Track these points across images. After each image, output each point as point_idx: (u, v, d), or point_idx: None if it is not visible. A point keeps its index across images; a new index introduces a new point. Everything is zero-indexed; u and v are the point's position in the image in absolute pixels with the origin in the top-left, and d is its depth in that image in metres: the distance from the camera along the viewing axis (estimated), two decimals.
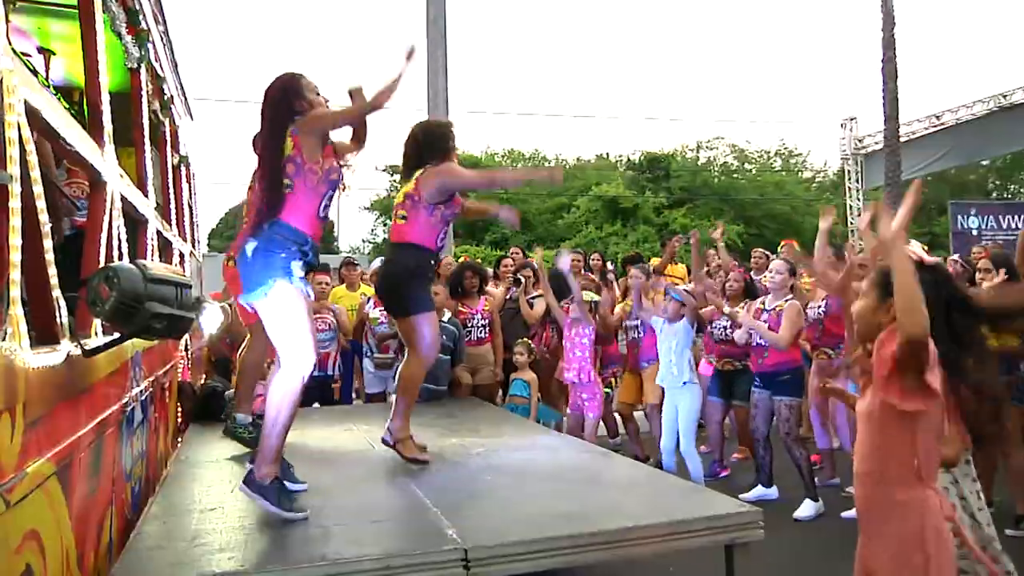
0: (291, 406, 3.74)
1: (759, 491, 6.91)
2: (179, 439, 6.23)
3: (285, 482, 3.90)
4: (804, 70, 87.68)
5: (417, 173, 4.98)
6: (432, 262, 5.12)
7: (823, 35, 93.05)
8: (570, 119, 55.85)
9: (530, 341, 8.15)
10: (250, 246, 3.79)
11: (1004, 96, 22.62)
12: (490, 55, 79.30)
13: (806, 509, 6.53)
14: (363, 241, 45.50)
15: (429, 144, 5.09)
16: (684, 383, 6.95)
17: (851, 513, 5.85)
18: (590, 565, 3.73)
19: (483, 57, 76.47)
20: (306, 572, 3.11)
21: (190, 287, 3.27)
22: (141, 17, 5.04)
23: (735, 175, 37.05)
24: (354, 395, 9.49)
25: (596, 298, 8.05)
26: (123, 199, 4.21)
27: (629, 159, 38.29)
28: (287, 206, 3.83)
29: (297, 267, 3.79)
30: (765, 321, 6.77)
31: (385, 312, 6.99)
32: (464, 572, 3.20)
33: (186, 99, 8.46)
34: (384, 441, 4.96)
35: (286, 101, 3.99)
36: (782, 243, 12.10)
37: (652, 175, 35.31)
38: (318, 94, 4.11)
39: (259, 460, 3.72)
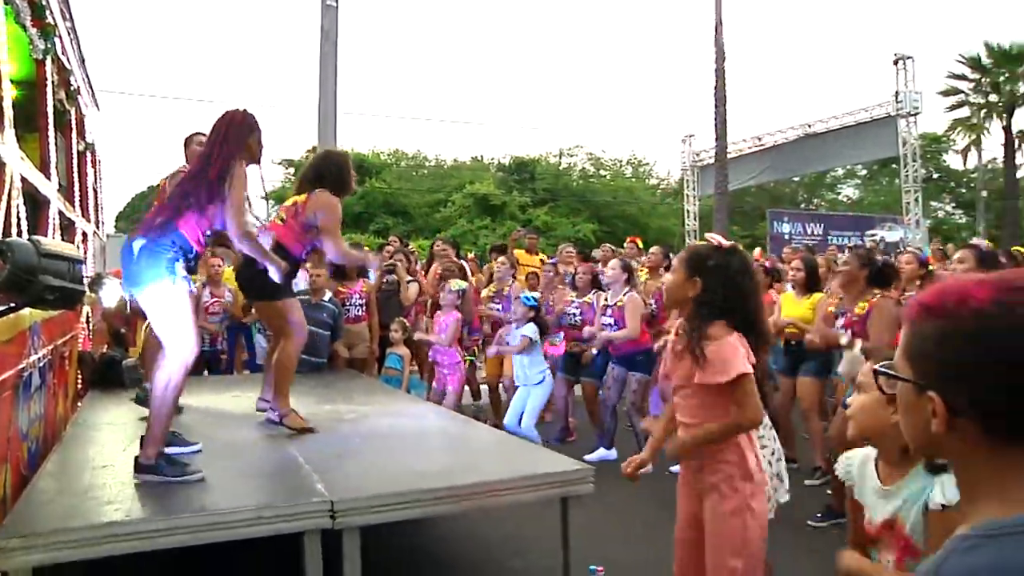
0: (175, 390, 3.65)
1: (601, 453, 7.06)
2: (78, 404, 6.02)
3: (176, 447, 3.84)
4: (654, 91, 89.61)
5: (312, 192, 4.92)
6: (296, 265, 5.06)
7: (671, 61, 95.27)
8: (450, 123, 56.25)
9: (405, 320, 8.18)
10: (138, 243, 3.66)
11: (809, 126, 23.95)
12: (379, 61, 78.49)
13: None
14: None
15: (335, 175, 5.05)
16: (537, 383, 7.02)
17: (677, 468, 6.15)
18: (446, 515, 3.82)
19: (373, 62, 75.62)
20: (186, 521, 3.08)
21: (82, 262, 3.19)
22: (47, 12, 4.84)
23: (591, 179, 37.50)
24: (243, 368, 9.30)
25: (463, 285, 8.10)
26: (23, 180, 4.05)
27: (500, 162, 38.43)
28: (188, 220, 3.75)
29: (179, 267, 3.70)
30: (611, 316, 6.94)
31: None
32: (330, 521, 3.21)
33: (92, 90, 8.15)
34: (270, 420, 4.87)
35: (243, 136, 3.96)
36: (628, 239, 12.42)
37: (519, 177, 35.49)
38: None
39: (146, 443, 3.60)
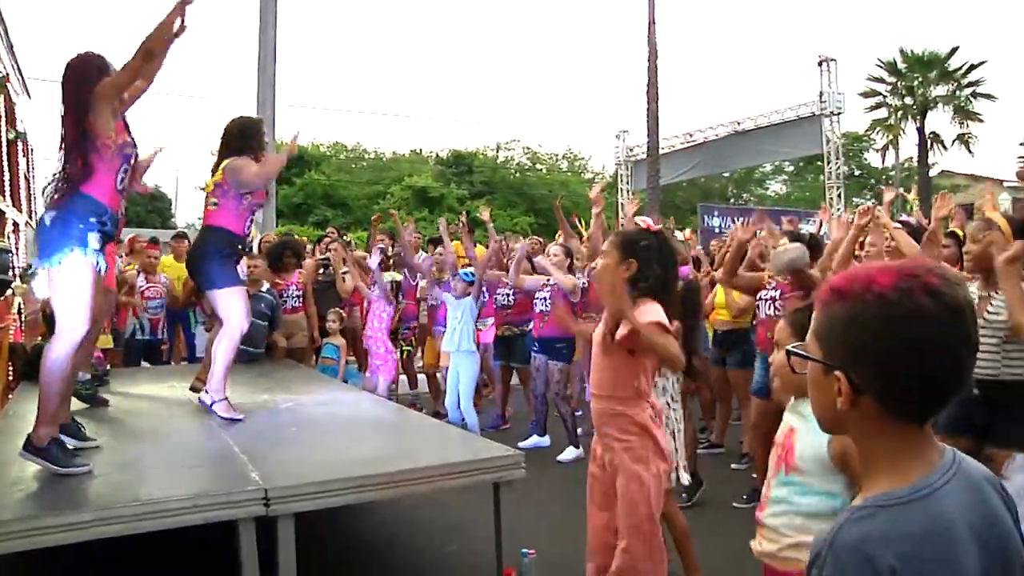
0: (62, 369, 3.47)
1: (534, 440, 7.13)
2: (9, 395, 5.86)
3: (66, 439, 3.68)
4: (590, 87, 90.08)
5: (224, 164, 4.82)
6: (239, 245, 4.95)
7: (606, 57, 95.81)
8: (389, 117, 55.64)
9: (341, 311, 8.14)
10: (49, 215, 3.53)
11: (739, 123, 24.34)
12: (320, 53, 77.53)
13: (568, 454, 6.82)
14: (198, 218, 43.53)
15: (236, 138, 4.92)
16: (463, 350, 7.06)
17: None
18: (381, 502, 3.80)
19: (313, 54, 74.70)
20: (119, 512, 3.02)
21: (10, 252, 3.09)
22: None
23: (528, 173, 37.67)
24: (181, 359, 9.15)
25: (398, 278, 8.11)
26: None
27: (438, 155, 38.32)
28: (86, 179, 3.56)
29: (94, 239, 3.52)
30: (547, 293, 7.00)
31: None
32: (264, 509, 3.18)
33: (23, 78, 7.90)
34: (202, 402, 4.82)
35: (89, 76, 3.66)
36: (572, 216, 12.52)
37: (457, 170, 35.49)
38: None
39: (37, 423, 3.46)
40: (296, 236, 11.64)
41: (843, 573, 1.05)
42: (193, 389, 5.18)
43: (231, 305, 4.74)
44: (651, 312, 3.02)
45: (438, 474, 3.64)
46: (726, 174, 38.19)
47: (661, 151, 23.44)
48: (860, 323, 1.12)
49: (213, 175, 4.92)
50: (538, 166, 38.85)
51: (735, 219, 25.09)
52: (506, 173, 36.79)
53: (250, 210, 4.88)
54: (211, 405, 4.70)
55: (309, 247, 9.93)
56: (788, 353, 1.33)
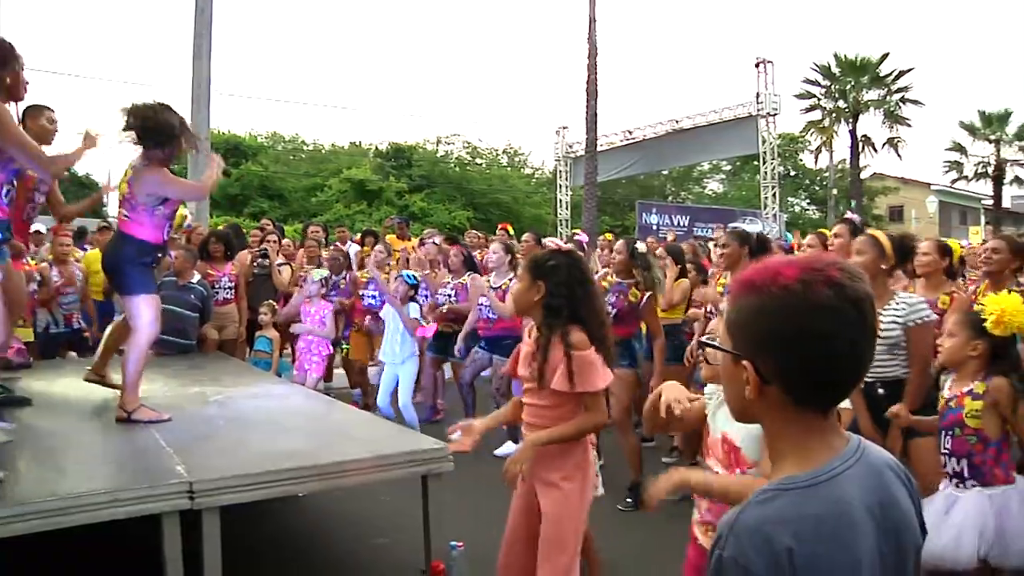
0: None
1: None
2: None
3: None
4: (531, 82, 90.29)
5: (128, 174, 4.47)
6: (158, 253, 4.70)
7: (548, 53, 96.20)
8: (329, 108, 54.87)
9: (275, 303, 8.05)
10: None
11: (677, 122, 24.70)
12: (259, 42, 76.27)
13: (505, 448, 6.84)
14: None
15: (151, 136, 4.40)
16: (403, 360, 6.95)
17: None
18: (309, 495, 3.78)
19: (252, 43, 73.49)
20: (37, 507, 2.96)
21: None
22: None
23: (468, 167, 37.55)
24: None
25: (325, 274, 8.07)
26: None
27: (377, 148, 38.00)
28: None
29: None
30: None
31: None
32: (189, 502, 3.16)
33: None
34: (119, 420, 4.45)
35: None
36: (500, 226, 12.55)
37: (396, 163, 35.19)
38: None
39: None
40: (241, 227, 11.37)
41: (742, 553, 1.09)
42: (87, 380, 4.98)
43: (141, 313, 4.48)
44: (587, 363, 2.96)
45: (367, 467, 3.64)
46: (665, 172, 38.66)
47: (600, 148, 23.69)
48: (765, 314, 1.18)
49: (122, 179, 4.58)
50: (478, 161, 38.79)
51: (672, 217, 25.54)
52: (446, 167, 36.62)
53: (166, 218, 4.58)
54: (130, 416, 4.44)
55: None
56: (700, 344, 1.40)
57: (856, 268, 1.25)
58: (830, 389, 1.20)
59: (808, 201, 42.71)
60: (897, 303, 4.11)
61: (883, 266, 4.18)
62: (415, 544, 3.95)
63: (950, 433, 3.37)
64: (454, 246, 8.48)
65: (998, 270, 5.01)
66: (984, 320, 3.27)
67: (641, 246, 5.70)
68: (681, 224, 24.66)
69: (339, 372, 8.82)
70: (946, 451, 3.39)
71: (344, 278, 8.34)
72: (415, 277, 7.25)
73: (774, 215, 23.57)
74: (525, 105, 64.34)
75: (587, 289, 3.11)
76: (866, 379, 4.15)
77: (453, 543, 3.92)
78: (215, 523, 3.19)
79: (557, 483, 3.09)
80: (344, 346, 8.40)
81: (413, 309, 6.95)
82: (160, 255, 4.83)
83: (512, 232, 12.37)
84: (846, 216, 5.66)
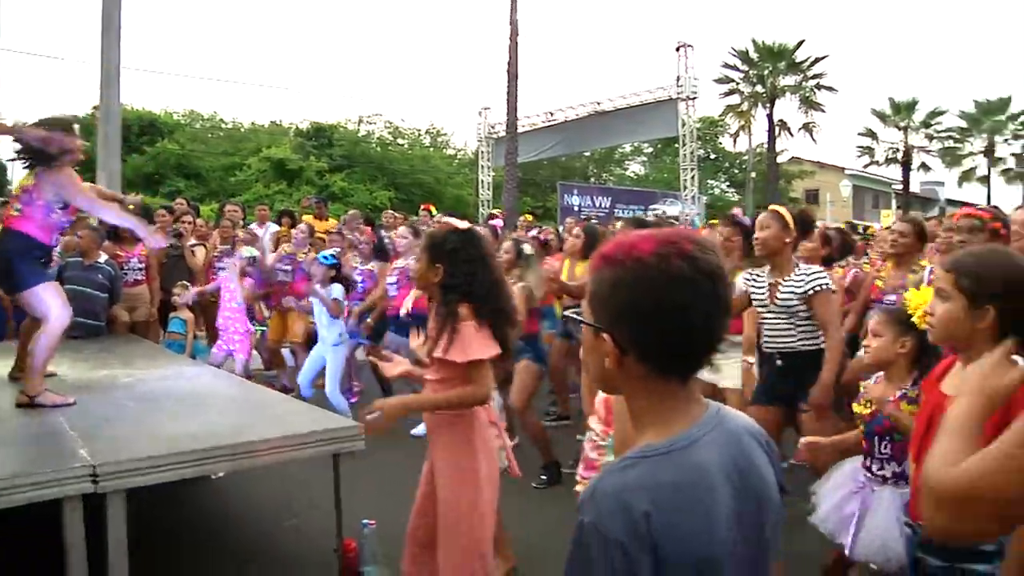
0: None
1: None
2: None
3: None
4: (454, 63, 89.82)
5: (35, 171, 4.32)
6: (45, 255, 4.51)
7: (472, 34, 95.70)
8: (248, 86, 53.27)
9: (188, 284, 7.90)
10: None
11: (599, 104, 24.88)
12: (177, 17, 74.01)
13: (421, 428, 6.88)
14: None
15: (32, 156, 4.29)
16: (333, 344, 6.88)
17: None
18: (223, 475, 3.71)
19: (169, 18, 71.38)
20: None
21: None
22: None
23: (390, 148, 37.16)
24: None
25: (255, 253, 7.95)
26: None
27: (298, 127, 37.37)
28: None
29: None
30: (395, 276, 7.01)
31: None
32: (92, 486, 3.09)
33: None
34: (19, 404, 4.30)
35: None
36: (422, 206, 12.51)
37: (317, 142, 34.63)
38: None
39: None
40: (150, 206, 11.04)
41: (601, 519, 1.13)
42: (12, 378, 4.84)
43: (46, 301, 4.34)
44: (465, 336, 3.02)
45: (276, 446, 3.61)
46: (586, 154, 38.98)
47: (522, 129, 23.78)
48: (622, 286, 1.22)
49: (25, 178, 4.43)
50: (400, 141, 38.43)
51: (594, 198, 25.81)
52: (367, 147, 36.17)
53: (59, 226, 4.46)
54: (32, 401, 4.29)
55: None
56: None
57: (710, 241, 1.30)
58: (686, 359, 1.25)
59: (728, 184, 43.51)
60: (797, 274, 4.23)
61: (786, 239, 4.30)
62: (328, 524, 3.94)
63: (888, 439, 3.18)
64: (367, 230, 8.50)
65: (903, 252, 5.21)
66: (909, 316, 2.96)
67: (527, 247, 5.65)
68: (603, 205, 24.95)
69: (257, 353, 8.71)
70: (884, 455, 3.19)
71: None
72: (333, 257, 7.20)
73: (693, 197, 24.03)
74: (448, 86, 64.16)
75: (484, 268, 3.14)
76: (766, 349, 4.34)
77: (365, 521, 3.94)
78: (120, 507, 3.13)
79: (450, 464, 3.15)
80: (259, 328, 8.31)
81: (336, 291, 6.89)
82: (47, 260, 4.62)
83: (435, 213, 12.32)
84: (732, 213, 5.75)
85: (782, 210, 4.44)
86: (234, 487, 5.37)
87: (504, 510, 3.57)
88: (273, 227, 10.48)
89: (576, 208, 24.01)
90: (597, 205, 25.08)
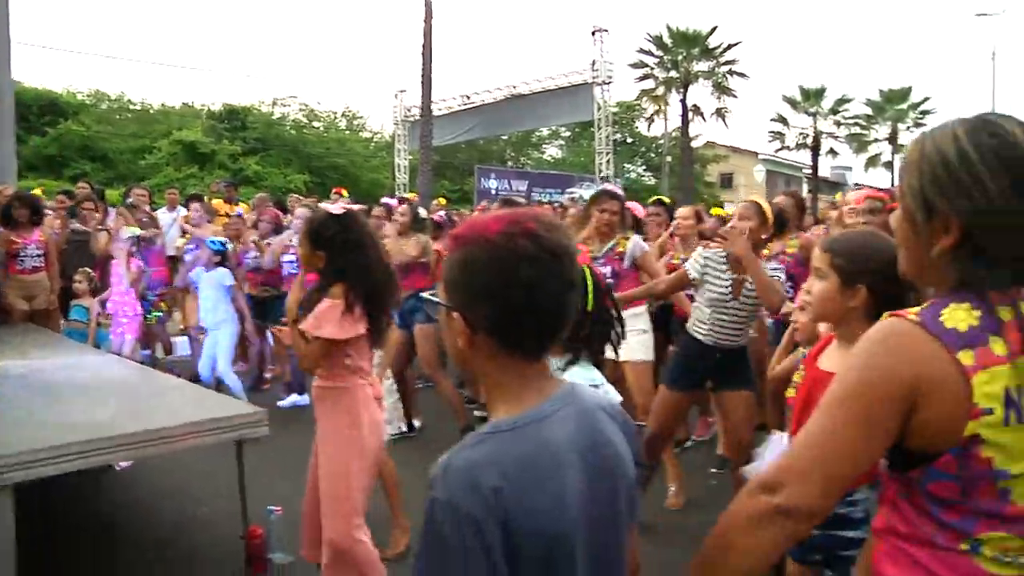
0: None
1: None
2: None
3: None
4: (370, 44, 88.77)
5: None
6: None
7: (388, 15, 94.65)
8: (158, 66, 51.47)
9: (91, 271, 7.66)
10: None
11: (515, 87, 24.93)
12: None
13: (290, 399, 7.08)
14: None
15: None
16: (220, 322, 6.92)
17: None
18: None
19: None
20: None
21: None
22: None
23: (305, 130, 36.54)
24: None
25: (138, 233, 7.80)
26: None
27: (210, 109, 36.44)
28: None
29: None
30: (293, 254, 6.98)
31: None
32: None
33: None
34: None
35: None
36: (334, 190, 12.35)
37: (230, 125, 33.88)
38: None
39: None
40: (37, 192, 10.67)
41: (452, 495, 1.14)
42: None
43: None
44: (322, 312, 3.17)
45: (177, 434, 3.54)
46: (504, 137, 38.99)
47: (438, 112, 23.71)
48: (471, 266, 1.24)
49: None
50: (315, 124, 37.83)
51: (511, 182, 25.88)
52: (282, 130, 35.48)
53: None
54: None
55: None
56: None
57: (555, 219, 1.33)
58: (535, 337, 1.26)
59: (644, 168, 44.04)
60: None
61: (763, 236, 4.13)
62: (233, 511, 3.89)
63: None
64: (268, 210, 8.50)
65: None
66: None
67: (423, 211, 6.24)
68: (520, 189, 25.03)
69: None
70: None
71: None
72: (221, 242, 7.13)
73: (609, 180, 24.25)
74: (364, 67, 63.29)
75: (360, 251, 3.26)
76: (707, 339, 4.12)
77: (270, 508, 3.91)
78: (8, 503, 3.03)
79: (332, 431, 3.30)
80: (155, 314, 8.17)
81: (226, 275, 6.93)
82: None
83: (347, 196, 12.20)
84: (605, 187, 5.79)
85: (763, 203, 4.18)
86: (142, 477, 5.27)
87: (421, 475, 3.56)
88: (183, 211, 10.24)
89: (494, 191, 24.05)
90: (514, 189, 25.16)
